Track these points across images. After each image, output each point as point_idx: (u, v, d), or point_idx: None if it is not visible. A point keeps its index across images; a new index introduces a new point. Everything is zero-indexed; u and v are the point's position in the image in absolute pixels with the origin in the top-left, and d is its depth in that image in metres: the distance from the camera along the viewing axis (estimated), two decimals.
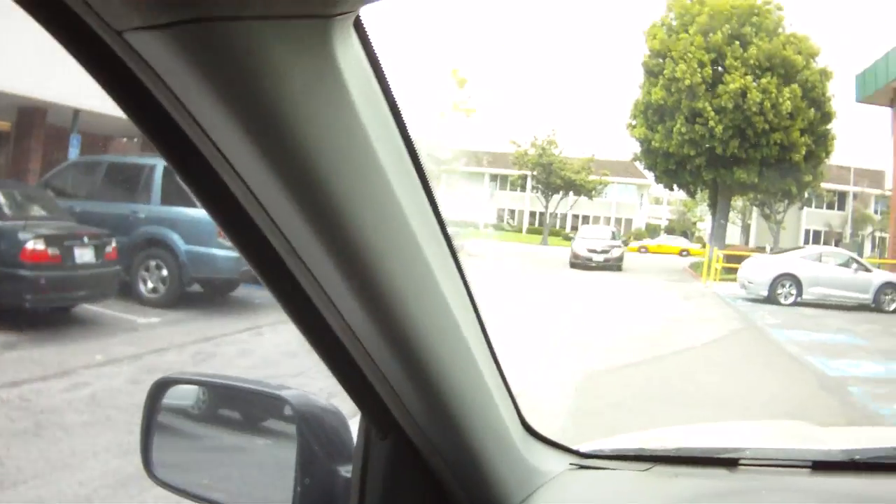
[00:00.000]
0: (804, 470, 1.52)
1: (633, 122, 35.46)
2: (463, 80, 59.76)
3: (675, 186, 37.41)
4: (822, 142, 33.66)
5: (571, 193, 55.55)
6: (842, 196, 50.24)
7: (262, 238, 0.91)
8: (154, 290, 13.63)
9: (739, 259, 25.45)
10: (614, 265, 30.06)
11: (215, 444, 1.77)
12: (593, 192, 55.88)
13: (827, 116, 33.54)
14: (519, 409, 1.38)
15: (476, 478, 1.26)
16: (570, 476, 1.52)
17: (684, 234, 65.09)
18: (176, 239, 13.55)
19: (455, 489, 1.26)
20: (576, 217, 63.16)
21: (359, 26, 0.81)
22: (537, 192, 56.89)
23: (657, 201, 68.47)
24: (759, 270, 22.73)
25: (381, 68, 0.86)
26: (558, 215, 59.80)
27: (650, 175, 39.45)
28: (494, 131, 68.29)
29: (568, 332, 14.34)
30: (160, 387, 1.62)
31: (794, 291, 21.93)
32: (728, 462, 1.57)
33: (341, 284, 0.93)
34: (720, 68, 32.18)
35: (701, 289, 25.47)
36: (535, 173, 55.17)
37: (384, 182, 0.88)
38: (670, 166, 34.24)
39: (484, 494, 1.28)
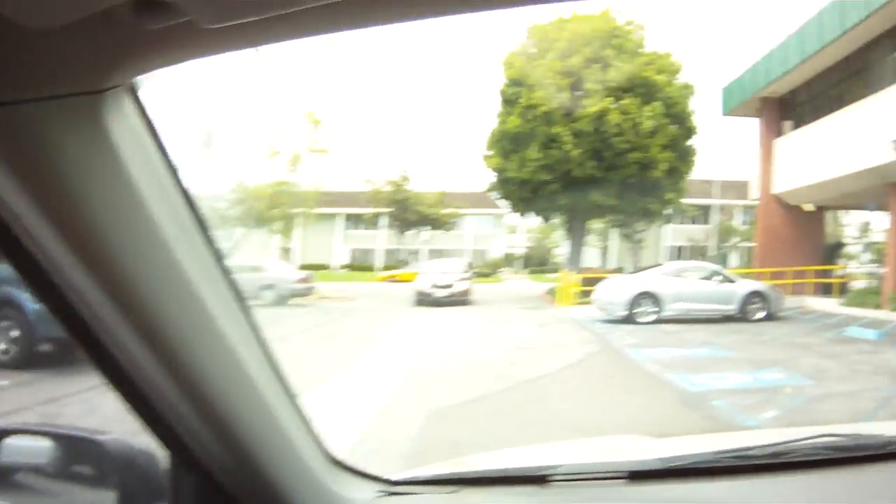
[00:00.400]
0: (620, 481, 1.55)
1: (489, 153, 34.70)
2: (317, 120, 58.99)
3: (530, 213, 36.74)
4: (684, 157, 33.36)
5: (430, 228, 54.95)
6: (706, 210, 51.34)
7: (64, 298, 1.01)
8: (5, 351, 12.99)
9: (597, 281, 24.65)
10: (459, 300, 28.35)
11: (34, 495, 1.76)
12: (447, 225, 55.37)
13: (689, 131, 33.36)
14: (321, 442, 1.42)
15: None
16: (377, 503, 1.57)
17: (542, 261, 66.23)
18: (24, 299, 12.73)
19: None
20: (434, 252, 63.34)
21: (134, 96, 0.89)
22: (394, 228, 56.12)
23: (512, 230, 68.83)
24: (615, 291, 21.92)
25: (157, 132, 0.93)
26: (418, 251, 59.35)
27: (506, 204, 38.62)
28: (348, 171, 67.51)
29: (413, 370, 13.18)
30: None
31: (654, 309, 21.18)
32: (538, 479, 1.60)
33: (134, 341, 1.02)
34: (579, 92, 31.60)
35: (556, 314, 24.36)
36: (391, 210, 54.35)
37: (160, 240, 0.95)
38: (525, 194, 33.44)
39: None
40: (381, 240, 63.24)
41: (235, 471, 1.26)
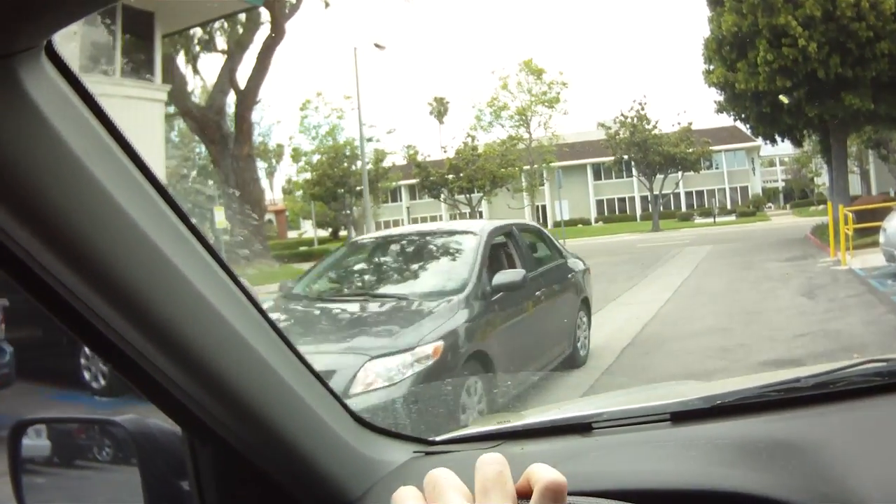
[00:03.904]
0: (663, 423, 1.46)
1: (709, 67, 26.89)
2: (539, 69, 53.24)
3: (775, 135, 28.26)
4: None
5: (678, 170, 47.31)
6: None
7: (54, 292, 0.93)
8: None
9: (875, 215, 16.50)
10: None
11: (65, 482, 1.80)
12: (696, 165, 47.24)
13: None
14: (347, 406, 1.36)
15: (306, 474, 1.25)
16: (414, 463, 1.47)
17: (803, 194, 57.38)
18: None
19: (289, 488, 1.25)
20: (689, 195, 56.80)
21: (53, 56, 0.80)
22: (640, 173, 48.98)
23: (769, 163, 59.74)
24: None
25: (88, 94, 0.85)
26: (671, 196, 52.33)
27: (745, 129, 30.35)
28: (583, 119, 62.00)
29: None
30: (17, 430, 1.62)
31: None
32: (580, 428, 1.51)
33: (120, 319, 0.95)
34: None
35: (832, 269, 15.90)
36: (632, 154, 47.19)
37: (107, 197, 0.87)
38: (764, 109, 25.36)
39: (320, 490, 1.26)
40: (629, 188, 57.52)
41: (253, 441, 1.18)
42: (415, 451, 1.51)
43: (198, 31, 31.98)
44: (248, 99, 32.10)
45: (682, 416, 1.46)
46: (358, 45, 35.53)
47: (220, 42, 33.37)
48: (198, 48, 33.53)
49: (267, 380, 1.14)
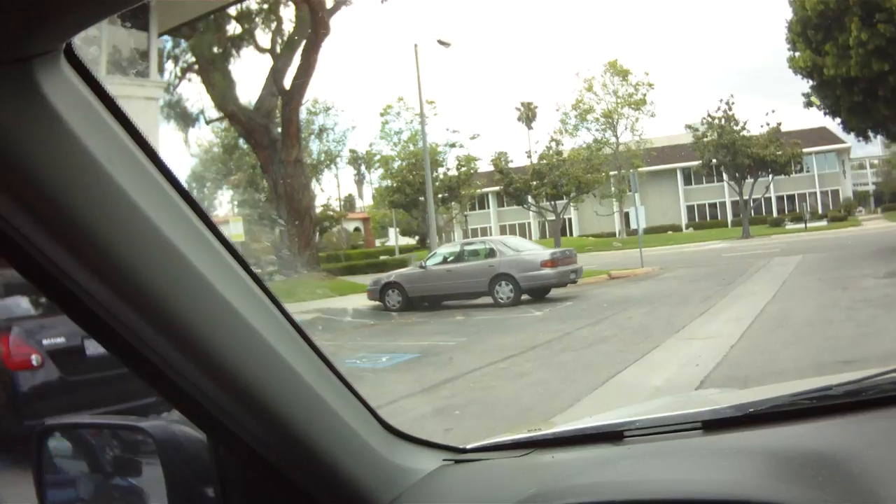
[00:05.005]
0: (696, 432, 1.44)
1: (794, 54, 24.81)
2: (625, 70, 51.50)
3: (868, 129, 25.83)
4: None
5: (768, 173, 44.83)
6: None
7: (74, 296, 0.92)
8: None
9: None
10: None
11: (89, 487, 1.77)
12: (787, 168, 44.69)
13: None
14: (376, 413, 1.36)
15: (333, 481, 1.24)
16: (444, 471, 1.47)
17: (894, 197, 53.99)
18: None
19: (316, 495, 1.25)
20: (779, 199, 54.10)
21: (73, 59, 0.79)
22: (729, 177, 46.72)
23: (859, 166, 56.68)
24: None
25: (106, 93, 0.84)
26: (762, 201, 49.80)
27: (836, 124, 27.96)
28: (673, 122, 60.52)
29: None
30: (43, 433, 1.64)
31: None
32: (612, 436, 1.49)
33: (144, 326, 0.94)
34: None
35: None
36: (720, 157, 44.94)
37: (129, 203, 0.85)
38: (856, 98, 23.16)
39: (347, 497, 1.27)
40: (720, 192, 55.15)
41: (279, 447, 1.17)
42: (444, 459, 1.51)
43: (237, 29, 30.92)
44: (294, 100, 30.43)
45: (713, 424, 1.45)
46: (420, 41, 33.74)
47: (265, 41, 31.85)
48: (238, 49, 32.12)
49: (293, 386, 1.13)
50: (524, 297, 18.62)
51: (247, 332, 1.03)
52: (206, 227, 0.97)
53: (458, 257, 20.07)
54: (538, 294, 18.97)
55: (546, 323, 14.63)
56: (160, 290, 0.91)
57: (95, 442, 1.74)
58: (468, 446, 1.56)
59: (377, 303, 19.98)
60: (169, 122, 33.03)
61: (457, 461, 1.51)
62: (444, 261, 20.16)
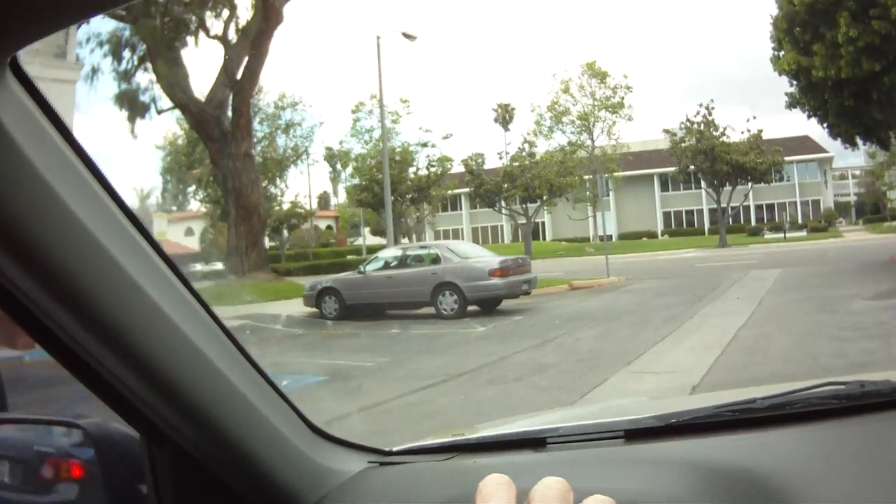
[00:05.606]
0: (617, 441, 1.44)
1: (778, 53, 22.89)
2: (603, 72, 49.60)
3: (857, 135, 23.93)
4: None
5: (748, 181, 43.33)
6: None
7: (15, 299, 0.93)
8: None
9: None
10: None
11: (24, 483, 1.74)
12: (767, 176, 43.21)
13: None
14: (303, 415, 1.34)
15: (260, 481, 1.24)
16: (369, 473, 1.47)
17: (876, 209, 52.85)
18: None
19: (245, 494, 1.24)
20: (758, 208, 52.68)
21: (18, 72, 0.80)
22: (707, 184, 45.15)
23: (841, 176, 55.73)
24: None
25: (50, 106, 0.85)
26: (741, 209, 48.35)
27: (823, 130, 26.07)
28: (650, 127, 59.17)
29: None
30: None
31: None
32: (535, 443, 1.49)
33: (76, 325, 0.95)
34: None
35: None
36: (698, 163, 43.31)
37: (65, 210, 0.87)
38: (846, 101, 21.21)
39: (274, 497, 1.26)
40: (697, 199, 53.72)
41: (207, 446, 1.18)
42: (370, 462, 1.51)
43: (192, 18, 28.57)
44: (244, 91, 27.94)
45: (635, 433, 1.45)
46: (382, 33, 31.42)
47: (218, 28, 29.28)
48: (187, 36, 29.56)
49: (219, 387, 1.14)
50: (472, 307, 16.52)
51: (175, 334, 1.03)
52: (140, 234, 0.98)
53: (401, 263, 17.93)
54: (488, 305, 16.86)
55: (485, 343, 12.55)
56: (92, 292, 0.91)
57: (30, 437, 1.74)
58: (393, 449, 1.56)
59: (314, 309, 17.94)
60: (122, 111, 30.63)
61: (382, 463, 1.51)
62: (386, 266, 18.04)
